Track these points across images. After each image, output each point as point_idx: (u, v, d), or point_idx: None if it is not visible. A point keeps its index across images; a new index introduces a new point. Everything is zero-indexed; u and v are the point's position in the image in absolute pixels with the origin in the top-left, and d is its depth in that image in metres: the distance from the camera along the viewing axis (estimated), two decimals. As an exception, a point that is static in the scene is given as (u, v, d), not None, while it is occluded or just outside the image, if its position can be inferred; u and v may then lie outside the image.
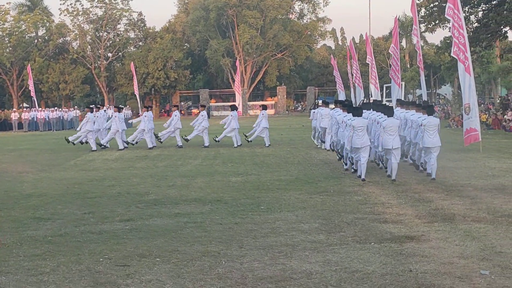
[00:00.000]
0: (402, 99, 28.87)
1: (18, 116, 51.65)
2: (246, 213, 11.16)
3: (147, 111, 27.12)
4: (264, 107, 26.90)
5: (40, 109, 55.43)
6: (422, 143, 15.24)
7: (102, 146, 26.66)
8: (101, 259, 8.21)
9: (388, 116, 15.13)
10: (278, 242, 8.90)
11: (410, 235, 9.11)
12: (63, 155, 24.32)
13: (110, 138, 26.72)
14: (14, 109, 56.20)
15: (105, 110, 31.76)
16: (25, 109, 62.35)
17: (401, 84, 31.90)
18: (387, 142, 14.87)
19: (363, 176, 15.08)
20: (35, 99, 57.74)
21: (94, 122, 26.41)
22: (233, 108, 26.41)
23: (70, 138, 26.94)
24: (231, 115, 25.67)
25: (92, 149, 25.91)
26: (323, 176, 15.98)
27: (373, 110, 17.40)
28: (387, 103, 26.96)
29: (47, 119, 51.61)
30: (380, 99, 33.58)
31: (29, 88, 56.52)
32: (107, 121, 28.29)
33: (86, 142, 26.45)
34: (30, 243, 9.16)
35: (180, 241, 9.12)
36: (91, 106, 30.10)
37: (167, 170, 18.35)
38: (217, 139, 26.40)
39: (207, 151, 24.20)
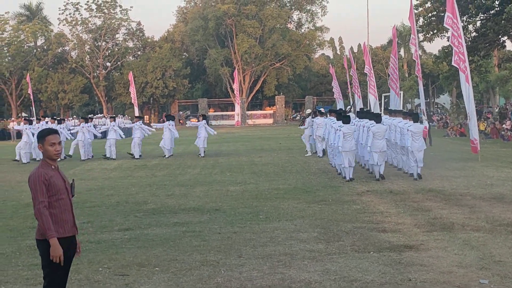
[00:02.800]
0: (401, 108, 28.93)
1: (17, 125, 51.46)
2: (245, 222, 11.16)
3: (166, 120, 26.65)
4: (204, 117, 26.61)
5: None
6: (410, 147, 16.61)
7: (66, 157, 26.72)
8: (100, 269, 8.20)
9: (376, 123, 16.71)
10: (277, 251, 8.89)
11: (409, 244, 9.11)
12: (61, 165, 24.25)
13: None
14: (13, 119, 56.09)
15: (46, 122, 31.52)
16: (23, 119, 62.29)
17: (400, 94, 31.87)
18: (376, 146, 16.46)
19: (348, 177, 16.64)
20: (34, 109, 57.70)
21: (33, 134, 25.54)
22: (204, 117, 26.52)
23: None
24: (202, 124, 25.67)
25: (17, 160, 25.94)
26: (321, 185, 15.98)
27: (358, 118, 19.38)
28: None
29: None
30: (378, 108, 33.56)
31: (29, 98, 56.39)
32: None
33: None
34: (29, 253, 9.15)
35: (179, 250, 9.11)
36: (31, 118, 29.63)
37: (166, 179, 18.35)
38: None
39: (206, 160, 24.19)
